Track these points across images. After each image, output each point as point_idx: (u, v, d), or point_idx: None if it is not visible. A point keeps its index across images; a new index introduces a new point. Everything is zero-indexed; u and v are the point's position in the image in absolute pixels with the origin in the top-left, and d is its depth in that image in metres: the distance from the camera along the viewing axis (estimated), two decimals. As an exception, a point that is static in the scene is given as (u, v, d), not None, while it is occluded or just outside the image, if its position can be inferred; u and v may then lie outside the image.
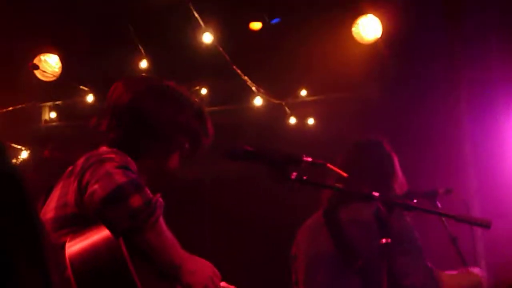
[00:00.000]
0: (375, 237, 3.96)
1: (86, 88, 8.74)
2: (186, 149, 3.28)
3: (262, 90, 8.53)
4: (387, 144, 4.40)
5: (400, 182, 4.28)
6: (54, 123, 9.39)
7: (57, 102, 9.22)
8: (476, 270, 4.30)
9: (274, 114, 8.86)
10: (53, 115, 9.36)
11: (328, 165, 2.95)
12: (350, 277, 4.01)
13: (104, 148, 3.05)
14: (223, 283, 3.60)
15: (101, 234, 2.67)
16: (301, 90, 8.65)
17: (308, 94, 8.69)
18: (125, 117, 3.15)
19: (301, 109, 8.80)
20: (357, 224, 4.07)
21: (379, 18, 7.63)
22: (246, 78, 8.24)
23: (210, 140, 3.38)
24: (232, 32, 8.07)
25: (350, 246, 4.05)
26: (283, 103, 8.64)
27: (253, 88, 8.46)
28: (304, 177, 2.80)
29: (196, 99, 3.39)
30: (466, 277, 4.19)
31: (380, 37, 7.65)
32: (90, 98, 8.74)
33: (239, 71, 8.06)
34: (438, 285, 3.95)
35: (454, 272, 4.22)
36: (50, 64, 8.29)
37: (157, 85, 3.28)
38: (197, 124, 3.30)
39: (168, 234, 2.83)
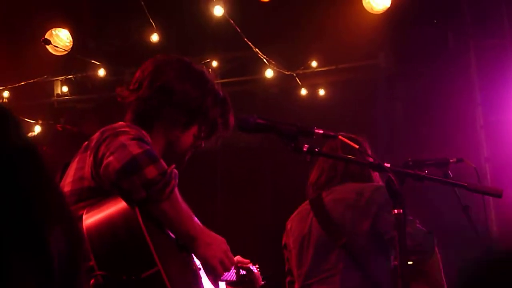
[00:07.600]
0: (359, 215, 4.10)
1: (97, 62, 8.79)
2: (201, 132, 3.29)
3: (273, 62, 8.55)
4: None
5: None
6: (66, 97, 9.47)
7: (69, 76, 9.28)
8: None
9: (285, 85, 8.89)
10: (65, 89, 9.45)
11: (340, 137, 2.96)
12: (336, 252, 4.14)
13: (119, 123, 3.07)
14: (238, 257, 3.65)
15: (118, 205, 2.69)
16: (311, 61, 8.65)
17: (319, 65, 8.70)
18: (155, 95, 3.17)
19: (312, 80, 8.82)
20: (341, 204, 4.17)
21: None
22: (257, 50, 8.26)
23: (228, 132, 3.40)
24: (242, 4, 8.07)
25: (334, 225, 4.19)
26: (294, 74, 8.65)
27: (264, 60, 8.47)
28: (316, 149, 2.82)
29: (221, 91, 3.37)
30: None
31: (390, 7, 7.64)
32: (101, 72, 8.80)
33: (250, 43, 8.08)
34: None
35: None
36: (61, 39, 8.35)
37: (190, 67, 3.29)
38: (217, 113, 3.31)
39: (183, 205, 2.85)
